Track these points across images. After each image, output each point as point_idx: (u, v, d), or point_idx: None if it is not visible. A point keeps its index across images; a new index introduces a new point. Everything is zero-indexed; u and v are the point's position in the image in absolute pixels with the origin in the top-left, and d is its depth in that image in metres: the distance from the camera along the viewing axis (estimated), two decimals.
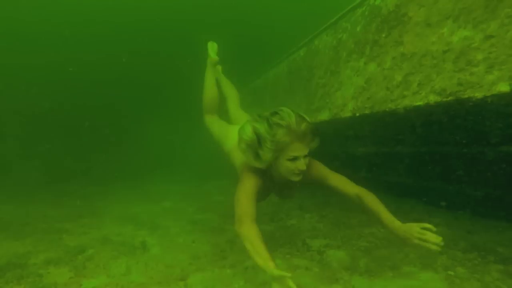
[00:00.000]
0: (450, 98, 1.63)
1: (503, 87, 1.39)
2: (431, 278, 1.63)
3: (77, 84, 9.40)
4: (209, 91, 2.84)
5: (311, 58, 3.42)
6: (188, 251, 2.27)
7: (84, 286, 1.76)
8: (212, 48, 3.09)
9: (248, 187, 1.70)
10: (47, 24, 9.17)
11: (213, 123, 2.69)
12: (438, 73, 1.74)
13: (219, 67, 3.15)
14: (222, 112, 2.88)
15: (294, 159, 1.60)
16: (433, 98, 1.72)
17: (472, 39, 1.61)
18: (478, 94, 1.49)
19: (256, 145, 1.61)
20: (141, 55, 9.75)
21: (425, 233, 1.38)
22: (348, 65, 2.66)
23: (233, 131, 2.28)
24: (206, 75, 2.92)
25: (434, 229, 1.39)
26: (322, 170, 1.82)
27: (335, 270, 1.81)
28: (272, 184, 1.85)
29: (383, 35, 2.30)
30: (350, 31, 2.73)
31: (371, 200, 1.63)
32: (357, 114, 2.42)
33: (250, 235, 1.53)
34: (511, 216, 2.37)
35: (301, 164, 1.62)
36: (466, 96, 1.54)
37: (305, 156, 1.63)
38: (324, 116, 2.86)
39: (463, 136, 2.10)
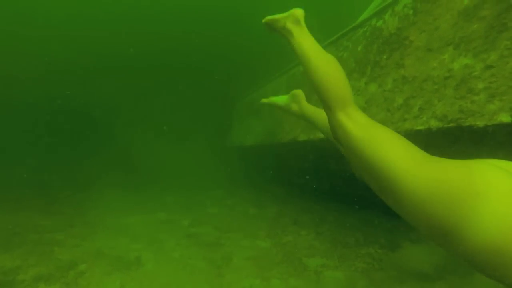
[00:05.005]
0: (451, 124, 1.65)
1: (505, 118, 1.42)
2: None
3: (69, 80, 9.23)
4: (321, 63, 1.33)
5: None
6: (184, 267, 2.23)
7: None
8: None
9: None
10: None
11: (374, 137, 1.07)
12: (439, 99, 1.77)
13: None
14: None
15: None
16: (434, 124, 1.74)
17: (473, 68, 1.65)
18: (480, 123, 1.51)
19: None
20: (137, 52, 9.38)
21: None
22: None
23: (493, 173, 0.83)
24: (301, 47, 1.39)
25: None
26: None
27: None
28: None
29: (384, 57, 2.33)
30: (351, 50, 2.77)
31: None
32: None
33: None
34: None
35: None
36: (467, 124, 1.57)
37: None
38: None
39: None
